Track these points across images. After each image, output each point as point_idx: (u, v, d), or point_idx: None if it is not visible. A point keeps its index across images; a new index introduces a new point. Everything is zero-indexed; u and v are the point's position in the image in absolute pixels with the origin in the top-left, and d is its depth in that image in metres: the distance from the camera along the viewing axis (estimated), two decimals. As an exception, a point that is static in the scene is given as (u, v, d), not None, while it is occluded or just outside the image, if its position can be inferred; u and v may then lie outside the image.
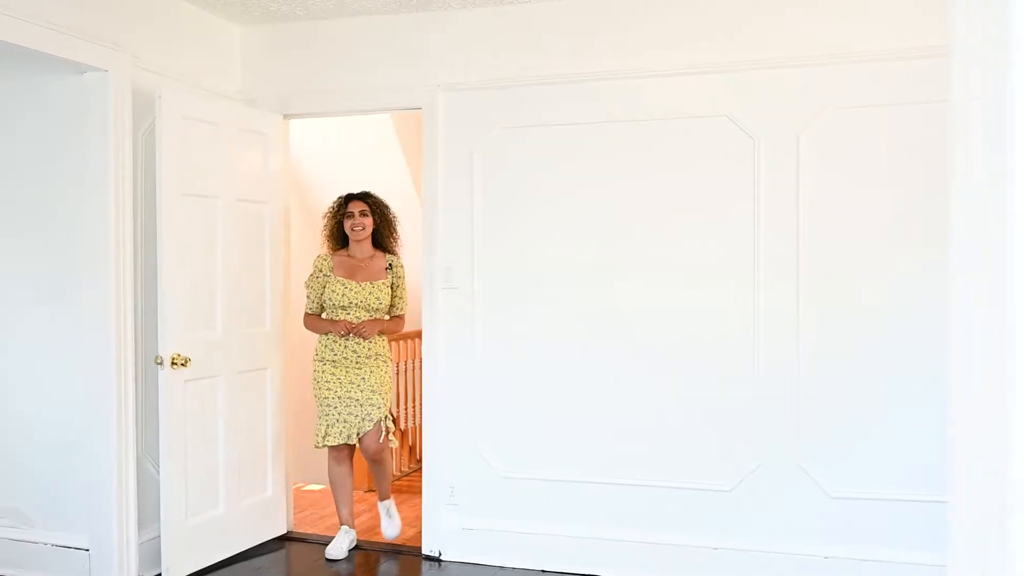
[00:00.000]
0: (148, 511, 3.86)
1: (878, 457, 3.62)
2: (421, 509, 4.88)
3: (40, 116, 3.84)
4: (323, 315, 4.24)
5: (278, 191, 4.35)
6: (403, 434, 6.05)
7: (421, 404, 6.20)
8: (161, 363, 3.67)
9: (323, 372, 4.17)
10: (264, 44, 4.42)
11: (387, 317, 4.30)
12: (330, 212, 4.36)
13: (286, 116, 4.40)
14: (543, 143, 4.02)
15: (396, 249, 4.37)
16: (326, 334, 4.19)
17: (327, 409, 4.16)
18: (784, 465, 3.73)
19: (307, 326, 4.31)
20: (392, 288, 4.25)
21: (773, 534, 3.74)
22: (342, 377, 4.15)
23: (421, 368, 6.15)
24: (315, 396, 4.21)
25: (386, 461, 4.41)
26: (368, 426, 4.15)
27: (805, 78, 3.68)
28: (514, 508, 4.07)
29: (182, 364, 3.71)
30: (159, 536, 3.80)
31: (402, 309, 4.33)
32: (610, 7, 3.93)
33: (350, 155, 6.16)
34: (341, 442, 4.16)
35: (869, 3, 3.61)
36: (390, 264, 4.27)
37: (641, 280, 3.90)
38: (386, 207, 4.33)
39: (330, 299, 4.14)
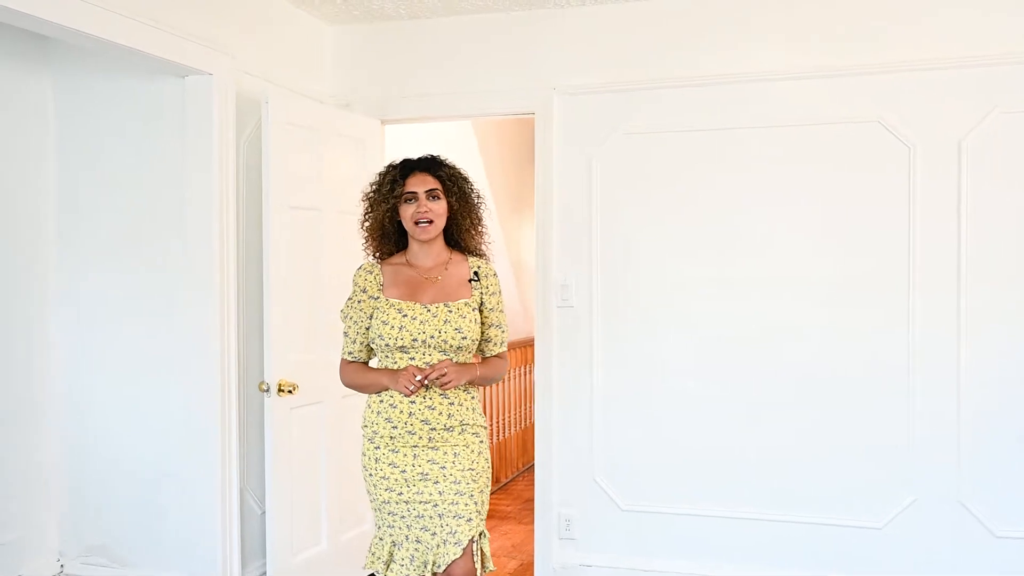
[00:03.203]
0: (248, 548, 3.59)
1: (1055, 494, 3.32)
2: (517, 537, 4.65)
3: (136, 122, 3.58)
4: (373, 363, 2.66)
5: (377, 202, 4.06)
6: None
7: (503, 418, 5.97)
8: (267, 390, 3.39)
9: (377, 460, 2.54)
10: (360, 45, 4.13)
11: (475, 358, 2.66)
12: (373, 192, 2.62)
13: (383, 121, 4.12)
14: (669, 150, 3.72)
15: (483, 248, 2.70)
16: (379, 393, 2.57)
17: (390, 519, 2.54)
18: (943, 500, 3.43)
19: (348, 381, 2.66)
20: (481, 310, 2.62)
21: (930, 576, 3.44)
22: (407, 467, 2.51)
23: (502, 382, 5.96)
24: (368, 493, 2.61)
25: None
26: (455, 552, 2.46)
27: (968, 80, 3.37)
28: (637, 544, 3.77)
29: (289, 391, 3.43)
30: (261, 575, 3.53)
31: (502, 344, 2.66)
32: (740, 2, 3.63)
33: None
34: None
35: (1041, -3, 3.32)
36: (476, 272, 2.63)
37: (779, 297, 3.60)
38: (466, 181, 2.63)
39: (381, 335, 2.51)
